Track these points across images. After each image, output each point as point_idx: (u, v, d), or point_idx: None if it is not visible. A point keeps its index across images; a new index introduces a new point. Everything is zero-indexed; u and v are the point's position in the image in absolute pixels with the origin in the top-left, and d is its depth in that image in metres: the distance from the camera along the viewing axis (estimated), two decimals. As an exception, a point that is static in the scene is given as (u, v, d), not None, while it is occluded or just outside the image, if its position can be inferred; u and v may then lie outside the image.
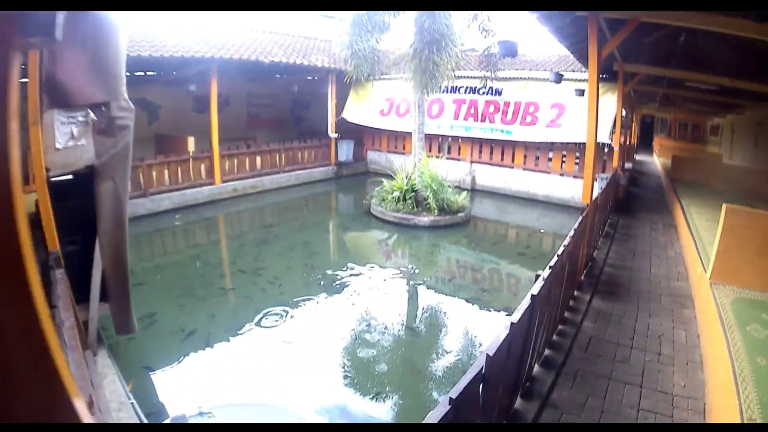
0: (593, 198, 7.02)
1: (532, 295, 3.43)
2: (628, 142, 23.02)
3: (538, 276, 3.91)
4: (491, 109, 15.52)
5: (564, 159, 14.87)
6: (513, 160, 15.82)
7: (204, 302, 8.14)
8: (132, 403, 4.93)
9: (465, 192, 13.65)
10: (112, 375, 5.09)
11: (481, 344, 6.67)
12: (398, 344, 6.91)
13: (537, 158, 15.37)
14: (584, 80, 13.26)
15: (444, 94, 16.50)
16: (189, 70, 15.11)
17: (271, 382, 5.83)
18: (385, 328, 7.24)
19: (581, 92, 13.24)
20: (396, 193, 13.08)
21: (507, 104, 15.10)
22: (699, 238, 7.32)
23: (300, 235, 12.48)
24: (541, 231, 13.47)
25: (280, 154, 17.13)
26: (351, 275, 9.35)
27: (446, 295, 8.70)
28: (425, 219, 12.45)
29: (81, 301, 5.15)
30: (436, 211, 12.42)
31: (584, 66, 10.90)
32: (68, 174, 4.80)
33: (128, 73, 14.61)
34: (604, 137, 12.92)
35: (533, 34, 14.36)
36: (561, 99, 14.00)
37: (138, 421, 4.45)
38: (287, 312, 7.52)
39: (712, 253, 5.06)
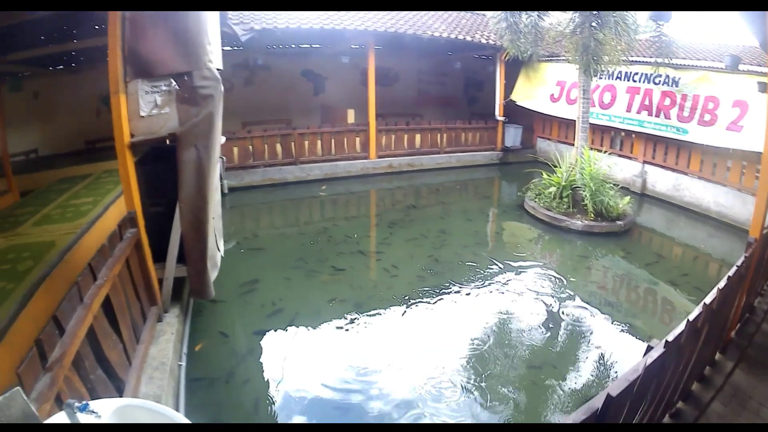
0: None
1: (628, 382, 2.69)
2: None
3: (650, 348, 3.26)
4: (667, 101, 14.99)
5: (744, 170, 13.82)
6: (688, 165, 15.13)
7: (309, 279, 8.65)
8: (180, 365, 5.71)
9: (628, 197, 13.07)
10: (169, 334, 5.73)
11: (613, 374, 6.51)
12: (519, 372, 6.45)
13: (714, 165, 14.44)
14: None
15: (617, 81, 16.59)
16: (348, 43, 16.61)
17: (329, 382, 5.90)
18: (501, 346, 6.93)
19: (763, 87, 12.07)
20: (552, 189, 13.09)
21: (684, 97, 14.48)
22: None
23: (439, 222, 12.71)
24: (702, 246, 12.75)
25: (441, 134, 18.21)
26: (475, 277, 9.11)
27: (584, 314, 8.07)
28: (578, 223, 12.10)
29: (160, 260, 5.96)
30: (592, 214, 12.12)
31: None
32: (153, 140, 5.46)
33: (293, 45, 17.54)
34: None
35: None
36: (744, 95, 13.07)
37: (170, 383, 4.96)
38: (383, 312, 7.62)
39: None
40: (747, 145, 12.88)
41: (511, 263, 9.93)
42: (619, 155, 17.42)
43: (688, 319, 3.55)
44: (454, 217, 13.58)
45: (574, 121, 15.85)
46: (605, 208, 12.35)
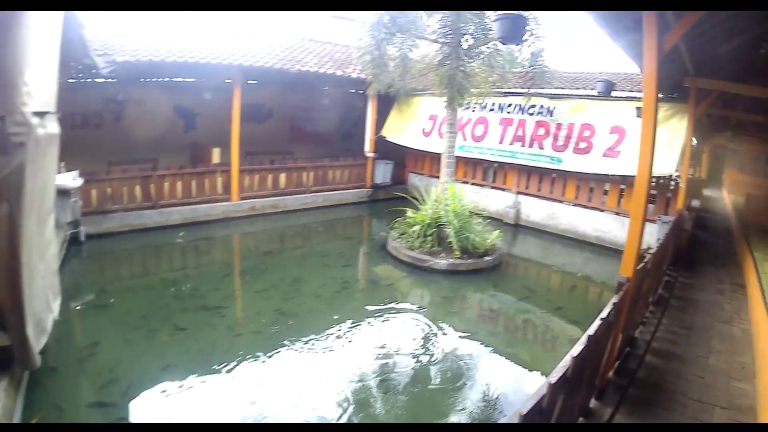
0: (644, 259, 5.93)
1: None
2: (697, 176, 22.75)
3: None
4: (541, 131, 15.17)
5: (622, 194, 14.24)
6: (563, 193, 15.40)
7: (149, 341, 7.83)
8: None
9: (497, 231, 12.79)
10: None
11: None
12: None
13: (591, 191, 14.75)
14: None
15: (490, 112, 16.62)
16: (221, 77, 15.65)
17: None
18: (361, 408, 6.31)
19: (639, 112, 12.06)
20: (416, 228, 12.41)
21: (559, 127, 14.73)
22: None
23: (295, 269, 11.89)
24: (579, 273, 13.00)
25: (308, 173, 17.41)
26: (324, 332, 8.27)
27: (437, 366, 7.43)
28: (442, 262, 11.59)
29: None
30: (457, 252, 11.68)
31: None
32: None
33: (165, 79, 15.61)
34: (668, 168, 12.31)
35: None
36: (621, 122, 13.43)
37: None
38: (219, 378, 6.81)
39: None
40: (624, 170, 13.24)
41: (368, 310, 9.41)
42: (492, 187, 17.53)
43: (549, 382, 2.98)
44: (313, 262, 12.84)
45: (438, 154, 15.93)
46: (471, 244, 11.99)
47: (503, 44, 11.71)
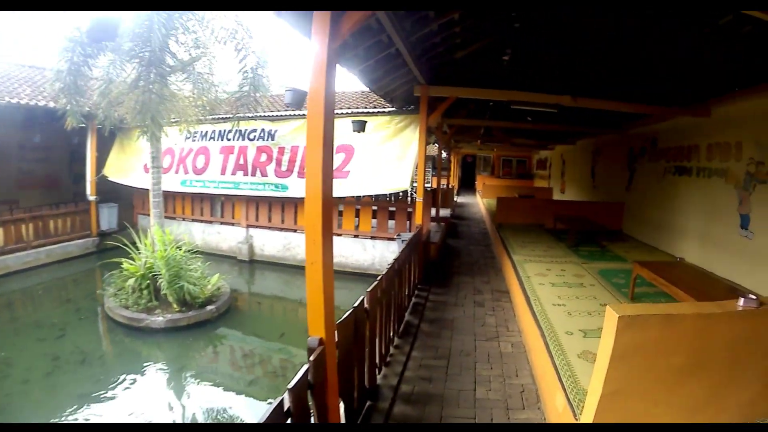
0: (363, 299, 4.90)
1: None
2: (448, 186, 23.06)
3: None
4: (263, 158, 14.28)
5: (358, 215, 13.94)
6: (296, 221, 14.61)
7: None
8: None
9: (217, 275, 11.76)
10: None
11: None
12: None
13: None
14: (385, 112, 12.41)
15: (210, 141, 15.47)
16: None
17: None
18: None
19: (360, 125, 12.10)
20: (131, 281, 10.94)
21: (282, 151, 13.97)
22: (549, 325, 6.05)
23: (2, 349, 9.88)
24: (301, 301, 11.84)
25: (27, 225, 14.95)
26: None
27: None
28: (159, 319, 10.27)
29: None
30: (175, 305, 10.46)
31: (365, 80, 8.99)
32: None
33: None
34: (403, 182, 12.04)
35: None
36: (347, 140, 12.81)
37: None
38: None
39: (592, 394, 3.35)
40: (355, 191, 12.53)
41: (81, 395, 8.03)
42: (222, 223, 16.24)
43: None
44: (25, 337, 10.79)
45: (181, 192, 15.32)
46: (189, 294, 10.65)
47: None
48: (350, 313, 4.42)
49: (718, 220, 9.40)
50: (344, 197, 13.42)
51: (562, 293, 7.55)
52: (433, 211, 15.93)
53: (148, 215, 17.24)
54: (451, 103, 10.82)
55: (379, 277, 5.50)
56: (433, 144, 20.65)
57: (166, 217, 16.14)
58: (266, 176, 14.21)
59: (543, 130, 16.68)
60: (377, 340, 5.44)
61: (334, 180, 11.39)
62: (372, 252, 13.30)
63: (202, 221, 16.23)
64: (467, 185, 41.76)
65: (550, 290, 7.69)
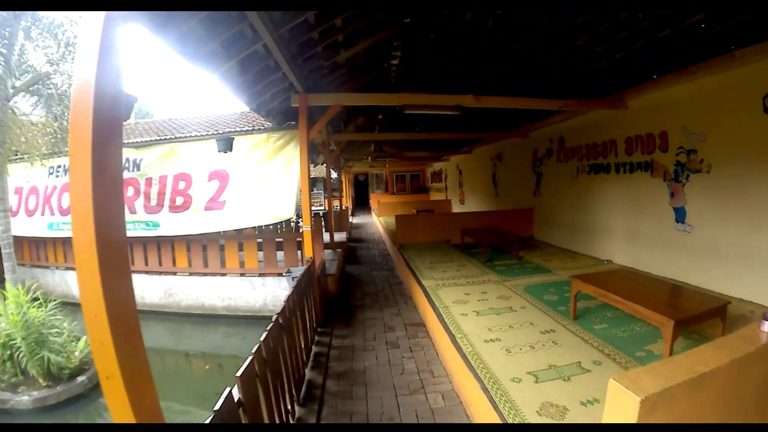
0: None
1: None
2: (341, 207, 21.47)
3: None
4: (130, 192, 12.19)
5: (242, 249, 12.37)
6: (174, 263, 12.85)
7: None
8: None
9: (83, 338, 9.75)
10: None
11: None
12: None
13: (205, 249, 12.64)
14: (261, 129, 10.80)
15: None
16: None
17: None
18: None
19: (226, 144, 10.56)
20: None
21: (149, 182, 11.99)
22: (487, 372, 4.94)
23: None
24: (207, 367, 10.70)
25: None
26: None
27: None
28: (25, 398, 8.38)
29: None
30: (40, 379, 8.64)
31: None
32: None
33: None
34: (287, 209, 10.45)
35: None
36: (222, 165, 11.18)
37: None
38: None
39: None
40: (234, 222, 10.86)
41: None
42: (96, 274, 14.04)
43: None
44: None
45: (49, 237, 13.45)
46: (53, 365, 8.70)
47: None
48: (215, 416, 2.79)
49: (648, 217, 8.77)
50: (223, 232, 11.92)
51: (492, 324, 6.40)
52: (327, 237, 14.74)
53: (42, 265, 15.36)
54: (335, 114, 9.74)
55: (263, 335, 4.12)
56: (321, 165, 19.32)
57: (36, 267, 14.82)
58: (135, 213, 12.13)
59: (436, 140, 15.98)
60: None
61: (209, 212, 10.76)
62: (262, 291, 11.66)
63: (75, 269, 13.69)
64: (362, 204, 40.88)
65: (476, 322, 6.53)
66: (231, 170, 10.90)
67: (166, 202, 11.47)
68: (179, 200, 11.28)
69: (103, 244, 2.09)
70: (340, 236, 17.53)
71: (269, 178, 10.38)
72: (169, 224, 11.58)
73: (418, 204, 25.72)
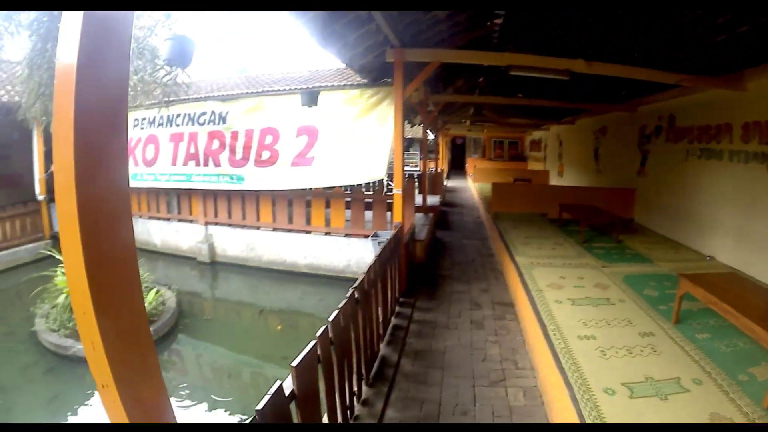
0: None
1: None
2: (436, 170, 21.09)
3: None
4: (215, 145, 11.97)
5: (329, 207, 11.89)
6: (258, 218, 12.57)
7: None
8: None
9: (154, 290, 9.82)
10: None
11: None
12: None
13: (290, 206, 12.22)
14: (354, 85, 10.08)
15: (159, 128, 13.27)
16: None
17: None
18: None
19: (310, 98, 10.01)
20: (62, 298, 9.14)
21: (235, 136, 11.62)
22: (579, 377, 4.31)
23: None
24: (261, 311, 10.60)
25: None
26: None
27: None
28: None
29: None
30: None
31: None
32: None
33: None
34: (378, 171, 9.84)
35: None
36: (310, 120, 10.61)
37: None
38: None
39: None
40: (321, 180, 10.41)
41: None
42: (180, 220, 14.21)
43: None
44: None
45: (164, 188, 13.69)
46: None
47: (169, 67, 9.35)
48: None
49: (761, 215, 7.71)
50: (309, 189, 11.49)
51: (587, 316, 5.77)
52: (420, 199, 14.10)
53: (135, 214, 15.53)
54: (433, 74, 9.07)
55: (333, 314, 3.78)
56: (419, 125, 18.64)
57: (162, 219, 15.10)
58: (220, 166, 12.00)
59: (539, 108, 14.91)
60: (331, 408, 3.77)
61: (296, 168, 10.80)
62: (347, 252, 11.35)
63: (159, 218, 14.38)
64: (457, 168, 40.12)
65: (571, 312, 5.91)
66: (321, 126, 10.43)
67: (252, 156, 11.24)
68: (265, 155, 10.99)
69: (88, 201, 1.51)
70: (433, 200, 16.94)
71: (361, 136, 9.85)
72: (255, 179, 11.33)
73: (516, 172, 24.78)
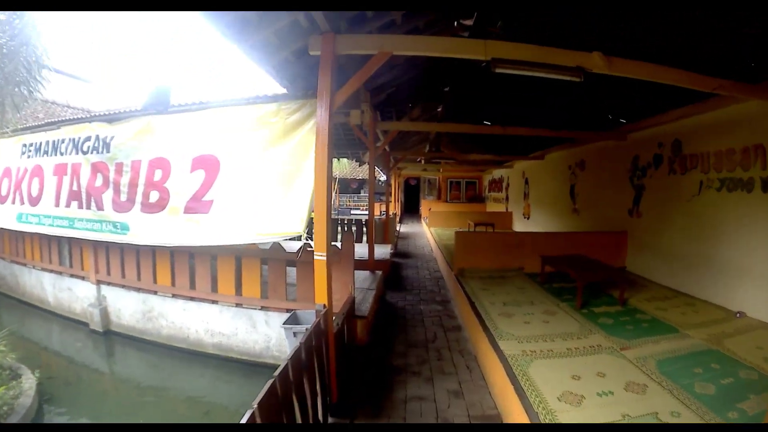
0: None
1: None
2: (387, 214, 18.28)
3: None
4: (99, 181, 8.84)
5: (241, 271, 8.63)
6: (155, 279, 9.43)
7: None
8: None
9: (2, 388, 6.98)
10: None
11: None
12: None
13: (192, 269, 9.03)
14: (268, 97, 6.96)
15: (44, 157, 10.20)
16: None
17: None
18: None
19: (160, 97, 7.89)
20: None
21: (119, 169, 8.47)
22: None
23: None
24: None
25: None
26: None
27: None
28: None
29: None
30: None
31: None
32: None
33: None
34: (293, 223, 6.51)
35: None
36: (211, 148, 7.34)
37: None
38: None
39: None
40: (219, 236, 7.20)
41: None
42: (72, 275, 11.07)
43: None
44: None
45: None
46: None
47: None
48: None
49: None
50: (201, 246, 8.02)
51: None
52: (367, 250, 11.33)
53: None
54: (382, 97, 7.36)
55: None
56: (360, 164, 16.51)
57: (16, 263, 12.61)
58: (103, 210, 8.85)
59: (508, 139, 13.45)
60: None
61: (190, 216, 7.44)
62: (265, 331, 8.39)
63: (51, 271, 11.45)
64: (411, 211, 38.23)
65: None
66: (223, 157, 7.30)
67: (138, 198, 8.25)
68: (154, 196, 7.99)
69: None
70: (383, 251, 14.07)
71: (275, 171, 6.73)
72: (141, 229, 8.28)
73: (475, 215, 22.30)
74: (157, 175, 7.82)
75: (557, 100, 8.83)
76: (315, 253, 5.00)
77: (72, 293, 11.06)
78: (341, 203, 37.47)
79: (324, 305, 4.89)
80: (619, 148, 11.14)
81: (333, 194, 37.41)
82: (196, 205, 7.29)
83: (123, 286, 9.93)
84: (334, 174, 39.45)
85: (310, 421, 4.13)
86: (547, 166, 16.85)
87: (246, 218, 6.90)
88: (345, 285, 6.93)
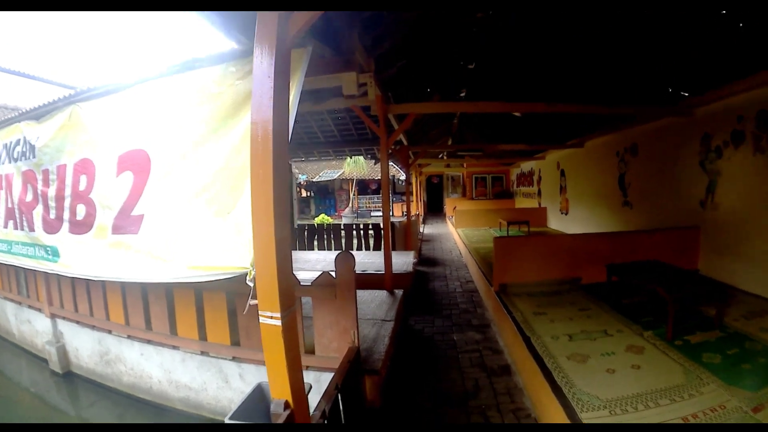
0: None
1: None
2: (408, 217, 15.99)
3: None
4: (29, 195, 6.92)
5: (203, 313, 6.42)
6: (108, 316, 7.47)
7: None
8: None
9: None
10: None
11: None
12: None
13: (146, 299, 6.97)
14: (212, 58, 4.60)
15: None
16: None
17: None
18: None
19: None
20: None
21: (46, 177, 6.45)
22: None
23: None
24: None
25: None
26: None
27: None
28: None
29: None
30: None
31: None
32: None
33: None
34: (241, 256, 4.24)
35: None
36: (139, 141, 5.05)
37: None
38: None
39: None
40: (148, 271, 4.94)
41: None
42: (30, 306, 9.23)
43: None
44: None
45: None
46: None
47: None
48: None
49: None
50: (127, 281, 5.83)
51: None
52: (383, 263, 9.15)
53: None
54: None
55: None
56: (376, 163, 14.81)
57: None
58: (34, 231, 6.87)
59: (536, 128, 12.45)
60: None
61: (117, 238, 5.31)
62: (239, 385, 6.22)
63: (12, 300, 9.78)
64: (434, 210, 36.28)
65: None
66: (153, 151, 4.96)
67: (66, 215, 6.21)
68: (80, 211, 5.88)
69: None
70: (404, 260, 11.80)
71: (222, 169, 4.40)
72: (70, 255, 6.19)
73: (506, 213, 20.03)
74: (82, 182, 5.67)
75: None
76: (260, 313, 2.84)
77: (32, 327, 9.32)
78: (360, 205, 35.66)
79: (286, 403, 2.75)
80: (682, 126, 9.25)
81: (352, 197, 35.61)
82: (125, 222, 5.10)
83: (77, 322, 8.03)
84: (350, 175, 37.00)
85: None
86: (589, 155, 14.84)
87: (176, 243, 4.66)
88: (345, 332, 4.82)
